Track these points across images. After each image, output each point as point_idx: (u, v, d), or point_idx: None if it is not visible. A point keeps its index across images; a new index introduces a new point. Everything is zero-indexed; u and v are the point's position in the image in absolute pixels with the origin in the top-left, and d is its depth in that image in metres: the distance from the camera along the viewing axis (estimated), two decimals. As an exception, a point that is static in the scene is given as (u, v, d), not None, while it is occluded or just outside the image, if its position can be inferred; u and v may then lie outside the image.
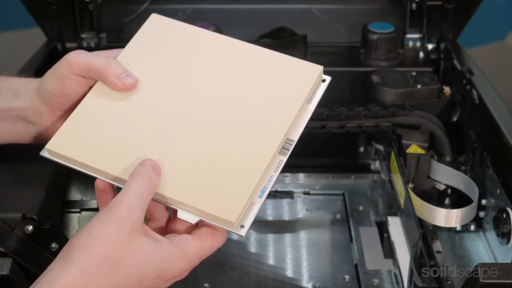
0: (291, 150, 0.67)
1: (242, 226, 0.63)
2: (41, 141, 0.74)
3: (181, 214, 0.64)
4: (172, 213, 0.67)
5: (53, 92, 0.71)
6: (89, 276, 0.57)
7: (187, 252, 0.62)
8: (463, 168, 0.96)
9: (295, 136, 0.68)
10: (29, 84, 0.74)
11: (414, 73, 1.05)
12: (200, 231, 0.64)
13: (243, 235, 0.62)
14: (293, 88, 0.70)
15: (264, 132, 0.67)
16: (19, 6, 1.09)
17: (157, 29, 0.76)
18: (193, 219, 0.63)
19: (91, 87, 0.71)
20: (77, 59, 0.70)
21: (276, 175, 0.65)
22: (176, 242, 0.62)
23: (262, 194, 0.64)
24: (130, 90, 0.70)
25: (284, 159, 0.66)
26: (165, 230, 0.67)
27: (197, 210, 0.63)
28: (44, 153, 0.69)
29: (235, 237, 0.92)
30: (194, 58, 0.74)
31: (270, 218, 1.00)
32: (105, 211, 0.59)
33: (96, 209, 0.93)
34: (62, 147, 0.67)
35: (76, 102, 0.71)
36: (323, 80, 0.72)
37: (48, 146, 0.68)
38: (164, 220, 0.67)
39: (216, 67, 0.73)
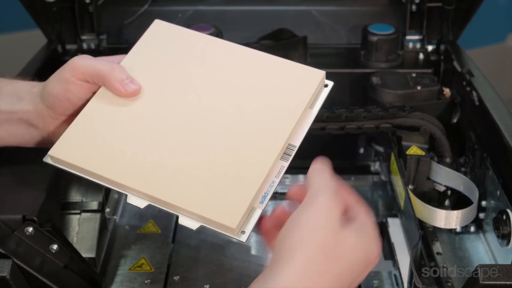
0: (292, 155, 0.67)
1: (243, 232, 0.63)
2: (43, 145, 0.74)
3: (182, 220, 0.64)
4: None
5: (57, 96, 0.71)
6: (311, 268, 0.56)
7: (370, 229, 0.60)
8: (463, 169, 0.96)
9: (297, 142, 0.67)
10: (33, 87, 0.74)
11: (414, 75, 1.06)
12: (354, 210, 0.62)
13: (244, 241, 0.63)
14: (295, 93, 0.70)
15: (265, 138, 0.67)
16: (20, 7, 1.09)
17: (160, 35, 0.76)
18: (194, 225, 0.63)
19: (94, 93, 0.71)
20: (81, 64, 0.70)
21: (277, 180, 0.65)
22: (359, 223, 0.60)
23: (263, 200, 0.64)
24: (133, 96, 0.70)
25: (286, 164, 0.66)
26: None
27: (198, 216, 0.63)
28: (47, 159, 0.69)
29: (235, 239, 0.92)
30: (196, 64, 0.73)
31: (270, 219, 1.00)
32: (307, 203, 0.59)
33: (96, 211, 0.93)
34: (65, 154, 0.67)
35: (79, 107, 0.71)
36: (326, 85, 0.72)
37: (51, 152, 0.68)
38: None
39: (218, 73, 0.73)
